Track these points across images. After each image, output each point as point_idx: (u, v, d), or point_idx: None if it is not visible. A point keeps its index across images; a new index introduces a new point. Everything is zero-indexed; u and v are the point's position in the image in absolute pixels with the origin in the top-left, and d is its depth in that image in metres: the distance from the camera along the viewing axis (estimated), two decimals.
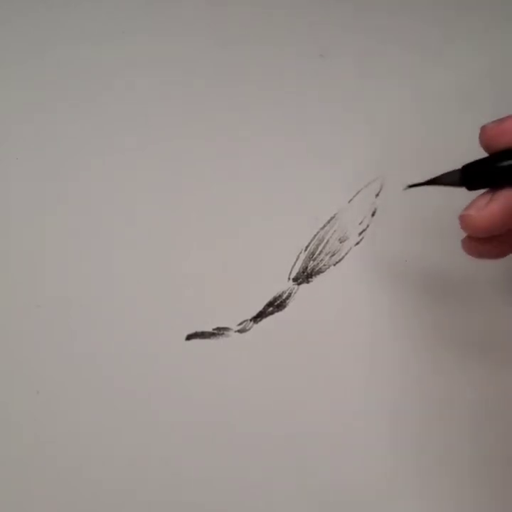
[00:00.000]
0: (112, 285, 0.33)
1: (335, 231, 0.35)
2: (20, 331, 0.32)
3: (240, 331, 0.32)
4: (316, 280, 0.34)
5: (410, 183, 0.29)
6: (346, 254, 0.34)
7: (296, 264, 0.34)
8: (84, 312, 0.33)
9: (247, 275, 0.34)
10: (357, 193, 0.36)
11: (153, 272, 0.34)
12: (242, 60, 0.41)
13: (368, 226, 0.35)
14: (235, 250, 0.35)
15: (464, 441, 0.30)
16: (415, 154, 0.37)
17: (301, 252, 0.35)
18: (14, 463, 0.29)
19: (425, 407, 0.31)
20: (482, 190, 0.27)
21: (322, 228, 0.35)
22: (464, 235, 0.27)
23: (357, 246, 0.34)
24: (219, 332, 0.32)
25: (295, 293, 0.33)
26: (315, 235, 0.35)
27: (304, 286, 0.34)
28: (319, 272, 0.34)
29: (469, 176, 0.27)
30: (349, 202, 0.36)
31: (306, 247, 0.35)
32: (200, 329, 0.32)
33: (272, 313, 0.33)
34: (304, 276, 0.34)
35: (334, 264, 0.34)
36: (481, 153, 0.27)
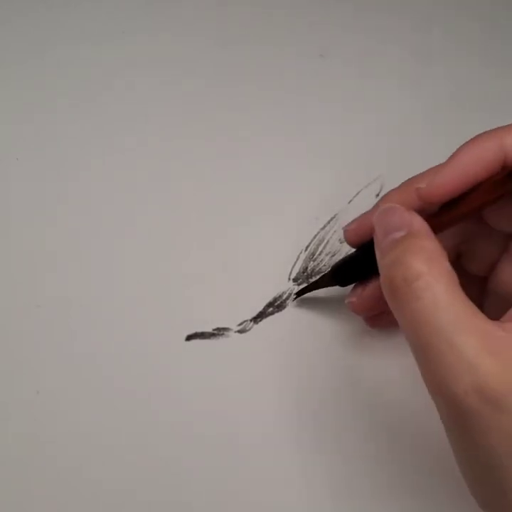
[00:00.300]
0: (112, 285, 0.33)
1: (335, 231, 0.35)
2: (20, 331, 0.32)
3: (239, 332, 0.32)
4: (305, 285, 0.34)
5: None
6: (346, 254, 0.34)
7: (297, 265, 0.34)
8: (84, 312, 0.33)
9: (247, 275, 0.34)
10: (357, 194, 0.36)
11: (153, 272, 0.34)
12: (242, 60, 0.41)
13: None
14: (235, 250, 0.35)
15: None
16: (415, 154, 0.37)
17: (301, 253, 0.35)
18: (14, 463, 0.29)
19: (427, 405, 0.31)
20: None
21: (322, 228, 0.35)
22: None
23: None
24: (219, 332, 0.32)
25: (295, 293, 0.33)
26: (315, 236, 0.35)
27: (303, 286, 0.34)
28: (319, 272, 0.34)
29: (339, 277, 0.31)
30: (349, 202, 0.36)
31: (307, 247, 0.35)
32: (200, 329, 0.32)
33: (271, 313, 0.33)
34: (304, 276, 0.34)
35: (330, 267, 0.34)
36: None
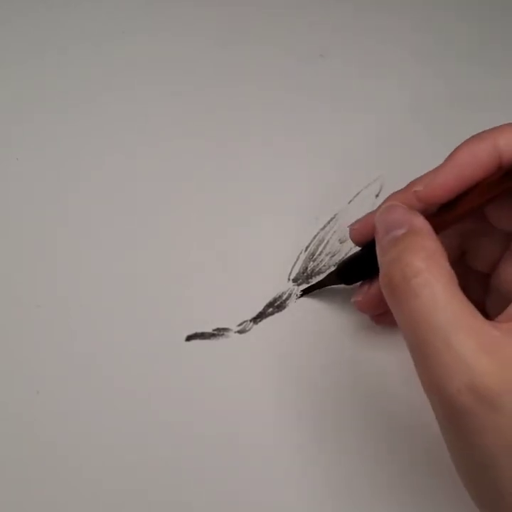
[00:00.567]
0: (112, 285, 0.33)
1: (335, 232, 0.35)
2: (20, 331, 0.32)
3: (239, 332, 0.32)
4: (316, 281, 0.34)
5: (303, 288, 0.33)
6: (346, 254, 0.34)
7: (296, 265, 0.34)
8: (84, 312, 0.33)
9: (247, 275, 0.34)
10: (357, 194, 0.36)
11: (154, 272, 0.34)
12: (242, 60, 0.41)
13: None
14: (235, 250, 0.35)
15: None
16: (415, 154, 0.37)
17: (301, 253, 0.35)
18: (14, 463, 0.29)
19: (425, 408, 0.31)
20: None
21: (322, 229, 0.35)
22: None
23: (356, 247, 0.33)
24: (219, 333, 0.32)
25: (295, 294, 0.33)
26: (315, 236, 0.35)
27: (303, 286, 0.34)
28: (319, 272, 0.34)
29: (345, 275, 0.31)
30: (349, 202, 0.36)
31: (306, 247, 0.35)
32: (200, 329, 0.32)
33: (271, 313, 0.33)
34: (304, 276, 0.34)
35: (334, 265, 0.34)
36: None
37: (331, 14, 0.43)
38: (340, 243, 0.35)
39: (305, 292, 0.33)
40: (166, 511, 0.29)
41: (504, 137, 0.25)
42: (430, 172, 0.27)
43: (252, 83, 0.40)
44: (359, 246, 0.31)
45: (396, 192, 0.28)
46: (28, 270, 0.33)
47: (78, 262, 0.34)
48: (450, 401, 0.21)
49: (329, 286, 0.33)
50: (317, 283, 0.33)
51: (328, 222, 0.36)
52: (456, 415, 0.21)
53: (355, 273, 0.31)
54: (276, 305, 0.33)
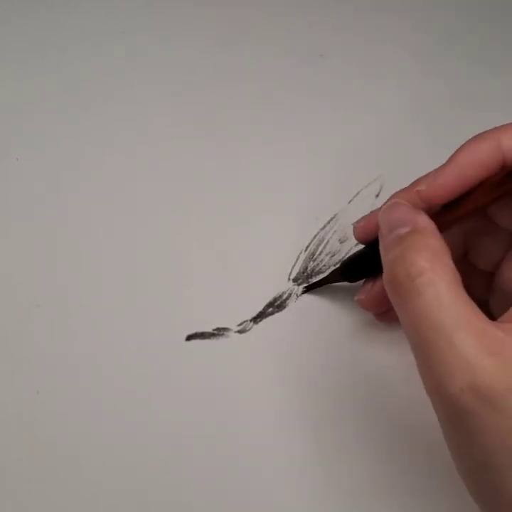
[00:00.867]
0: (112, 285, 0.33)
1: (335, 231, 0.35)
2: (20, 331, 0.32)
3: (239, 332, 0.32)
4: (317, 279, 0.34)
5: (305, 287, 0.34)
6: (346, 254, 0.34)
7: (297, 265, 0.34)
8: (84, 312, 0.33)
9: (247, 275, 0.34)
10: (357, 194, 0.36)
11: (154, 272, 0.34)
12: (242, 60, 0.41)
13: None
14: (235, 250, 0.35)
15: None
16: (415, 154, 0.37)
17: (301, 253, 0.35)
18: (14, 463, 0.29)
19: (425, 408, 0.31)
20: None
21: (322, 229, 0.35)
22: None
23: (357, 246, 0.34)
24: (219, 332, 0.32)
25: (295, 293, 0.33)
26: (315, 236, 0.35)
27: (304, 285, 0.34)
28: (319, 272, 0.34)
29: (348, 273, 0.32)
30: (349, 202, 0.36)
31: (307, 247, 0.35)
32: (200, 329, 0.32)
33: (271, 313, 0.33)
34: (304, 276, 0.34)
35: (334, 265, 0.34)
36: None
37: (331, 14, 0.43)
38: (340, 243, 0.35)
39: (307, 289, 0.33)
40: (165, 511, 0.29)
41: (507, 137, 0.25)
42: (433, 171, 0.27)
43: (252, 83, 0.40)
44: (363, 244, 0.31)
45: (399, 191, 0.28)
46: (28, 270, 0.33)
47: (78, 262, 0.34)
48: (452, 400, 0.21)
49: (332, 284, 0.33)
50: (320, 280, 0.33)
51: (328, 222, 0.36)
52: (458, 415, 0.21)
53: (359, 271, 0.31)
54: (276, 305, 0.33)
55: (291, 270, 0.34)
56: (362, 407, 0.31)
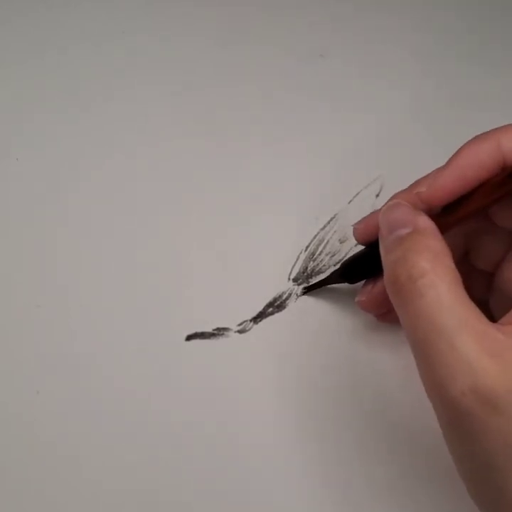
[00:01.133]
0: (112, 285, 0.33)
1: (335, 232, 0.35)
2: (20, 331, 0.32)
3: (239, 332, 0.32)
4: (317, 280, 0.34)
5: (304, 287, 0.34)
6: (346, 254, 0.34)
7: (297, 265, 0.34)
8: (84, 312, 0.33)
9: (247, 275, 0.34)
10: (357, 194, 0.36)
11: (154, 272, 0.34)
12: (242, 60, 0.41)
13: None
14: (235, 250, 0.35)
15: None
16: (415, 154, 0.37)
17: (301, 253, 0.35)
18: (14, 463, 0.29)
19: (423, 406, 0.31)
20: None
21: (322, 229, 0.35)
22: None
23: (357, 246, 0.34)
24: (219, 332, 0.32)
25: (295, 293, 0.33)
26: (315, 236, 0.35)
27: (304, 285, 0.34)
28: (319, 272, 0.34)
29: (348, 274, 0.31)
30: (349, 202, 0.36)
31: (307, 247, 0.35)
32: (200, 329, 0.32)
33: (271, 313, 0.33)
34: (304, 276, 0.34)
35: (334, 265, 0.34)
36: None
37: (331, 14, 0.43)
38: (340, 243, 0.35)
39: (307, 290, 0.33)
40: (166, 511, 0.29)
41: (507, 138, 0.25)
42: (433, 172, 0.27)
43: (252, 83, 0.40)
44: (363, 245, 0.31)
45: (399, 192, 0.28)
46: (28, 270, 0.33)
47: (78, 262, 0.34)
48: (453, 403, 0.21)
49: (331, 285, 0.33)
50: (320, 281, 0.33)
51: (328, 222, 0.36)
52: (459, 417, 0.21)
53: (359, 272, 0.31)
54: (276, 305, 0.33)
55: (291, 270, 0.34)
56: (362, 406, 0.31)
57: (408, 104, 0.40)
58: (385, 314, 0.31)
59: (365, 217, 0.30)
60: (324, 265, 0.34)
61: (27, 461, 0.29)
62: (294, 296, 0.33)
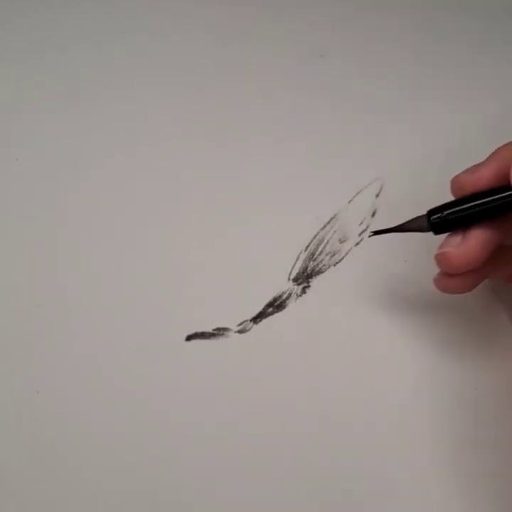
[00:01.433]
0: (112, 285, 0.33)
1: (335, 231, 0.35)
2: (20, 331, 0.32)
3: (239, 332, 0.32)
4: (316, 280, 0.34)
5: (375, 230, 0.32)
6: (346, 254, 0.34)
7: (296, 265, 0.34)
8: (84, 312, 0.33)
9: (247, 275, 0.34)
10: (357, 194, 0.36)
11: (153, 272, 0.34)
12: (242, 60, 0.41)
13: (368, 227, 0.35)
14: (235, 250, 0.35)
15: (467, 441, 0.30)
16: (415, 154, 0.37)
17: (301, 253, 0.35)
18: (14, 463, 0.29)
19: (423, 407, 0.31)
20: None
21: (322, 228, 0.35)
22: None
23: (357, 246, 0.34)
24: (219, 332, 0.32)
25: (295, 293, 0.33)
26: (315, 236, 0.35)
27: (303, 286, 0.34)
28: (319, 272, 0.34)
29: (437, 221, 0.29)
30: (349, 202, 0.36)
31: (307, 247, 0.35)
32: (200, 329, 0.32)
33: (271, 313, 0.33)
34: (304, 276, 0.34)
35: (334, 265, 0.34)
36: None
37: (331, 14, 0.43)
38: (340, 243, 0.35)
39: (377, 233, 0.31)
40: (166, 511, 0.29)
41: None
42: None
43: (252, 83, 0.40)
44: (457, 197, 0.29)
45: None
46: (28, 270, 0.33)
47: (78, 262, 0.34)
48: None
49: (335, 281, 0.32)
50: (398, 226, 0.31)
51: (328, 222, 0.36)
52: None
53: (451, 220, 0.29)
54: (276, 305, 0.33)
55: (291, 270, 0.34)
56: (362, 406, 0.31)
57: (408, 103, 0.40)
58: (456, 278, 0.29)
59: (473, 169, 0.29)
60: (324, 265, 0.34)
61: (27, 461, 0.29)
62: (294, 296, 0.33)
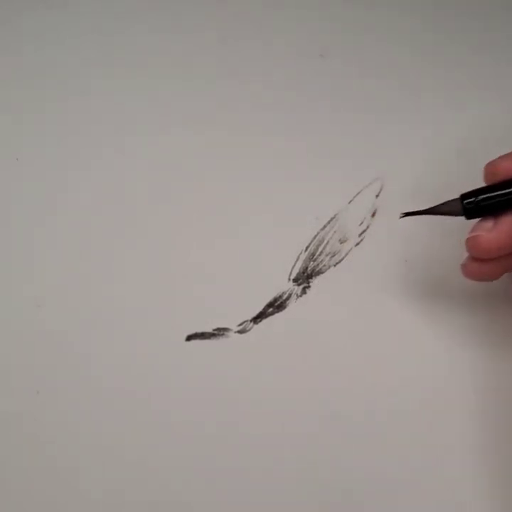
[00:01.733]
0: (112, 285, 0.33)
1: (335, 232, 0.35)
2: (20, 331, 0.32)
3: (240, 332, 0.32)
4: (316, 281, 0.34)
5: (405, 211, 0.31)
6: (346, 254, 0.34)
7: (297, 265, 0.34)
8: (84, 312, 0.33)
9: (247, 276, 0.34)
10: (357, 194, 0.36)
11: (153, 272, 0.34)
12: (242, 60, 0.41)
13: (368, 227, 0.35)
14: (235, 251, 0.35)
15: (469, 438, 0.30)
16: (415, 154, 0.37)
17: (301, 253, 0.35)
18: (14, 463, 0.29)
19: (423, 407, 0.31)
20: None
21: (322, 229, 0.35)
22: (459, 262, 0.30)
23: (357, 246, 0.34)
24: (219, 333, 0.32)
25: (295, 294, 0.33)
26: (315, 236, 0.35)
27: (303, 286, 0.34)
28: (319, 272, 0.34)
29: (470, 205, 0.29)
30: (349, 202, 0.36)
31: (307, 247, 0.35)
32: (200, 330, 0.32)
33: (272, 313, 0.33)
34: (304, 276, 0.34)
35: (334, 265, 0.34)
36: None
37: (331, 14, 0.43)
38: (340, 243, 0.35)
39: (408, 215, 0.31)
40: (165, 511, 0.29)
41: None
42: None
43: (252, 83, 0.40)
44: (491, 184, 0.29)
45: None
46: (28, 270, 0.33)
47: (78, 262, 0.34)
48: None
49: (333, 280, 0.32)
50: (430, 208, 0.30)
51: (328, 222, 0.36)
52: None
53: (486, 204, 0.29)
54: (276, 305, 0.33)
55: (291, 270, 0.34)
56: (362, 406, 0.31)
57: (408, 103, 0.40)
58: (485, 264, 0.29)
59: (509, 155, 0.29)
60: (324, 265, 0.34)
61: (27, 461, 0.29)
62: (294, 296, 0.33)
